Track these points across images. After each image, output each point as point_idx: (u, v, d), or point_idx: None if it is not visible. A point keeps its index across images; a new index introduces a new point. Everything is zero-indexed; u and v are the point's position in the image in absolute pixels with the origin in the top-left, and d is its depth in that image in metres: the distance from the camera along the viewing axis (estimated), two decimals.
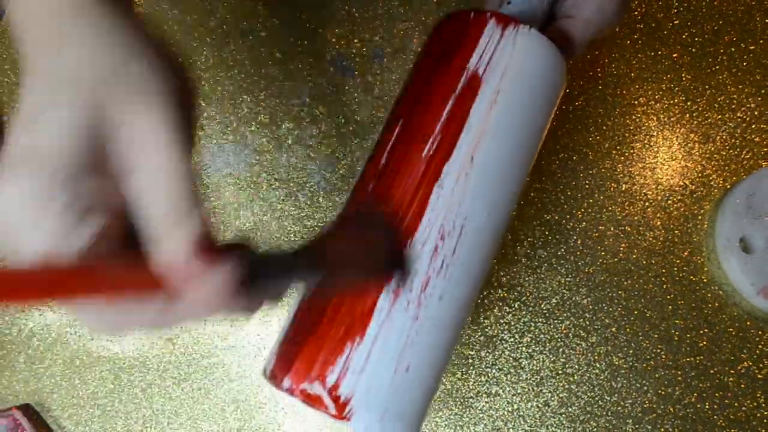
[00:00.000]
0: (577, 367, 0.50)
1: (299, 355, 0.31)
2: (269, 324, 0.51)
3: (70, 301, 0.21)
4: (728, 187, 0.52)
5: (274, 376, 0.32)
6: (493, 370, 0.50)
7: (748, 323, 0.50)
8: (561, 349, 0.50)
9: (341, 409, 0.29)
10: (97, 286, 0.21)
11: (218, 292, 0.22)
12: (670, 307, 0.50)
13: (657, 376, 0.49)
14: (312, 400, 0.30)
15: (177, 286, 0.22)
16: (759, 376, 0.49)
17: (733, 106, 0.53)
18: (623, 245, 0.51)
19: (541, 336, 0.50)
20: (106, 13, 0.22)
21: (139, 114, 0.22)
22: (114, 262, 0.23)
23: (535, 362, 0.50)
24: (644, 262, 0.51)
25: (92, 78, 0.21)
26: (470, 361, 0.50)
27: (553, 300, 0.50)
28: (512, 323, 0.50)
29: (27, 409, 0.51)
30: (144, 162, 0.22)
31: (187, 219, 0.22)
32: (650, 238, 0.51)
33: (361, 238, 0.32)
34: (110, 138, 0.22)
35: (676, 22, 0.54)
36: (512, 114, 0.34)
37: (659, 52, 0.54)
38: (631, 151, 0.53)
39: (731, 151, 0.53)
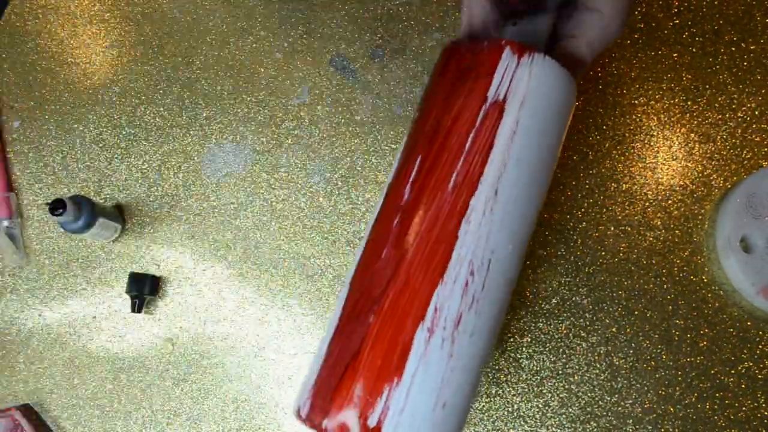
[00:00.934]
0: (577, 367, 0.50)
1: (337, 396, 0.30)
2: (268, 324, 0.51)
3: None
4: (729, 186, 0.52)
5: (311, 418, 0.31)
6: (493, 371, 0.50)
7: (749, 323, 0.50)
8: (561, 350, 0.50)
9: None
10: None
11: None
12: (670, 307, 0.50)
13: (657, 376, 0.49)
14: None
15: None
16: (759, 376, 0.49)
17: (734, 106, 0.53)
18: (623, 245, 0.51)
19: (541, 336, 0.50)
20: None
21: None
22: None
23: (535, 362, 0.50)
24: (644, 262, 0.51)
25: None
26: None
27: (553, 300, 0.50)
28: (512, 323, 0.50)
29: (26, 410, 0.51)
30: None
31: None
32: (650, 238, 0.51)
33: None
34: None
35: (676, 21, 0.54)
36: (532, 142, 0.34)
37: (659, 52, 0.54)
38: (632, 150, 0.53)
39: (732, 150, 0.53)
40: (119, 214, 0.53)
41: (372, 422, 0.29)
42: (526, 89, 0.34)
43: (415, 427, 0.29)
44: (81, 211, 0.47)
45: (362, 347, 0.31)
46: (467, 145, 0.33)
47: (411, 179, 0.34)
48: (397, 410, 0.29)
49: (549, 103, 0.35)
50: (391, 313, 0.31)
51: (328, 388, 0.31)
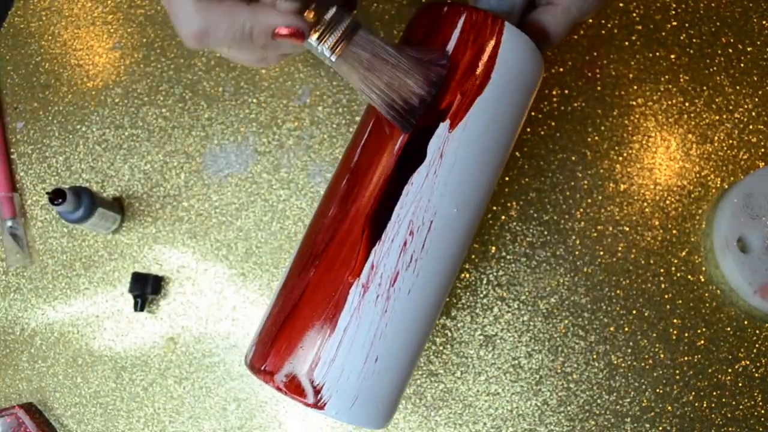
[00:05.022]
0: (575, 366, 0.50)
1: (275, 346, 0.33)
2: None
3: None
4: (726, 187, 0.52)
5: (253, 367, 0.33)
6: (493, 369, 0.50)
7: (746, 322, 0.50)
8: (560, 348, 0.50)
9: (315, 396, 0.31)
10: None
11: None
12: (668, 306, 0.51)
13: (655, 374, 0.50)
14: (287, 389, 0.31)
15: None
16: (756, 374, 0.50)
17: (731, 107, 0.53)
18: (621, 245, 0.52)
19: (540, 335, 0.50)
20: None
21: None
22: None
23: (534, 361, 0.50)
24: (642, 262, 0.51)
25: None
26: (470, 360, 0.50)
27: (552, 299, 0.51)
28: (511, 322, 0.51)
29: (30, 408, 0.51)
30: None
31: None
32: (648, 238, 0.52)
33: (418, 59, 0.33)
34: None
35: (674, 23, 0.55)
36: (484, 109, 0.34)
37: (657, 54, 0.54)
38: (630, 151, 0.53)
39: (729, 151, 0.53)
40: (119, 205, 0.53)
41: (303, 369, 0.31)
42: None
43: (345, 377, 0.31)
44: (80, 200, 0.48)
45: (301, 299, 0.33)
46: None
47: (362, 141, 0.35)
48: (328, 360, 0.31)
49: (507, 72, 0.34)
50: (329, 268, 0.33)
51: (270, 336, 0.33)
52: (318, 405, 0.31)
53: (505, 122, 0.35)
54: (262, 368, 0.32)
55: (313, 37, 0.31)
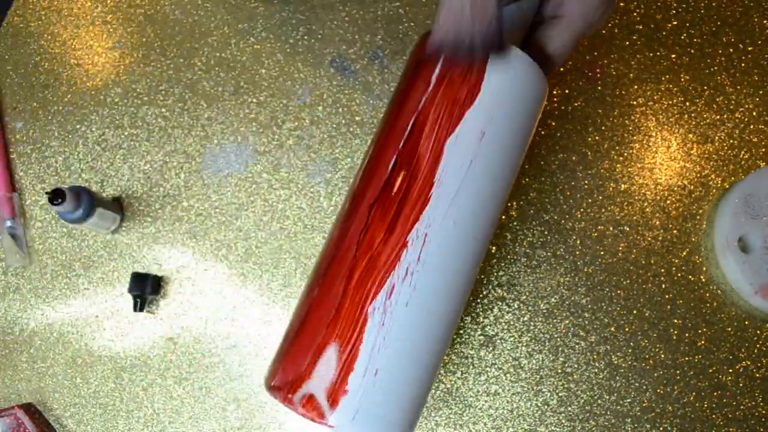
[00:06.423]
0: (576, 366, 0.50)
1: (282, 364, 0.34)
2: (270, 324, 0.52)
3: None
4: (726, 187, 0.52)
5: (266, 384, 0.34)
6: (493, 370, 0.50)
7: (746, 323, 0.50)
8: (560, 349, 0.50)
9: (320, 410, 0.31)
10: None
11: None
12: (668, 306, 0.51)
13: (656, 375, 0.50)
14: (297, 404, 0.32)
15: None
16: (757, 375, 0.49)
17: (732, 107, 0.53)
18: (622, 245, 0.51)
19: (541, 335, 0.50)
20: None
21: None
22: None
23: (534, 361, 0.50)
24: (643, 262, 0.51)
25: None
26: (470, 360, 0.50)
27: (553, 299, 0.51)
28: (512, 322, 0.51)
29: (29, 408, 0.51)
30: None
31: None
32: (649, 238, 0.52)
33: None
34: None
35: (674, 23, 0.55)
36: (473, 124, 0.34)
37: (658, 53, 0.54)
38: (630, 151, 0.53)
39: (729, 151, 0.53)
40: (118, 205, 0.53)
41: (305, 383, 0.32)
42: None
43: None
44: (80, 200, 0.47)
45: (306, 316, 0.34)
46: (408, 128, 0.34)
47: (362, 168, 0.36)
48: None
49: (505, 93, 0.35)
50: (329, 286, 0.33)
51: (280, 354, 0.35)
52: (319, 418, 0.31)
53: (507, 139, 0.35)
54: (272, 385, 0.33)
55: None
